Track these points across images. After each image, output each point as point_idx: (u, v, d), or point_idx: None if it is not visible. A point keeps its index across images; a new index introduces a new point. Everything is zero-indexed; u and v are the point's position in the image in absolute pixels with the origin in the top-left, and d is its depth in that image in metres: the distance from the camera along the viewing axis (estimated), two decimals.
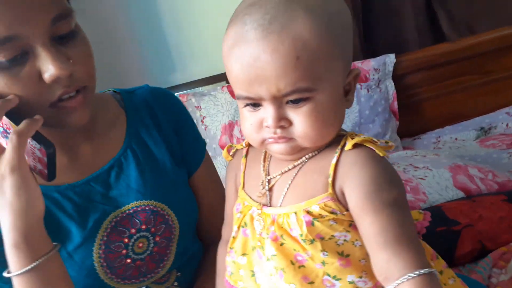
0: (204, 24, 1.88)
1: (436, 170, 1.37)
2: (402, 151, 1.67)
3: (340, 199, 0.59)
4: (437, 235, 1.10)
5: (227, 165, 0.74)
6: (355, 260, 0.59)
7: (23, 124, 0.64)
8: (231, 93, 1.76)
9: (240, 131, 1.74)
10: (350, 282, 0.59)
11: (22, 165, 0.63)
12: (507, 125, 1.83)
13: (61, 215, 0.74)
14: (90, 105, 0.71)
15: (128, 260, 0.77)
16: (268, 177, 0.65)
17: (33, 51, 0.64)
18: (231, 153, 0.72)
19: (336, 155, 0.60)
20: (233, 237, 0.67)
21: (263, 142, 0.61)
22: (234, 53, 0.57)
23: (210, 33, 1.86)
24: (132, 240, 0.78)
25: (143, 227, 0.78)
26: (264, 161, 0.67)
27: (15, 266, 0.65)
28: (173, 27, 1.90)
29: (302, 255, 0.60)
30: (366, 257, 0.59)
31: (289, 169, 0.63)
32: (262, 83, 0.55)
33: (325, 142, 0.61)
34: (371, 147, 0.58)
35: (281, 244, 0.60)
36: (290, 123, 0.58)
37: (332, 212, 0.58)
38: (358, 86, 1.77)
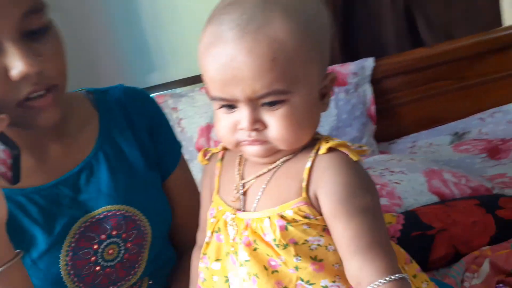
0: (186, 22, 1.80)
1: (412, 174, 1.38)
2: (378, 155, 1.69)
3: (314, 204, 0.58)
4: (412, 239, 1.11)
5: (203, 169, 0.72)
6: (329, 264, 0.59)
7: None
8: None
9: None
10: (324, 287, 0.58)
11: None
12: (480, 130, 1.86)
13: (26, 220, 0.71)
14: (60, 105, 0.68)
15: (98, 268, 0.75)
16: (243, 181, 0.64)
17: (1, 46, 0.61)
18: (207, 157, 0.71)
19: (310, 159, 0.59)
20: (207, 243, 0.66)
21: (237, 144, 0.60)
22: (210, 53, 0.56)
23: (193, 32, 1.82)
24: (102, 247, 0.75)
25: (114, 232, 0.75)
26: (240, 164, 0.66)
27: None
28: (154, 25, 1.85)
29: (275, 260, 0.59)
30: (339, 261, 0.58)
31: (264, 173, 0.62)
32: (237, 84, 0.55)
33: (300, 145, 0.60)
34: (345, 151, 0.58)
35: (254, 249, 0.60)
36: (265, 126, 0.57)
37: (305, 217, 0.58)
38: (336, 89, 1.77)
